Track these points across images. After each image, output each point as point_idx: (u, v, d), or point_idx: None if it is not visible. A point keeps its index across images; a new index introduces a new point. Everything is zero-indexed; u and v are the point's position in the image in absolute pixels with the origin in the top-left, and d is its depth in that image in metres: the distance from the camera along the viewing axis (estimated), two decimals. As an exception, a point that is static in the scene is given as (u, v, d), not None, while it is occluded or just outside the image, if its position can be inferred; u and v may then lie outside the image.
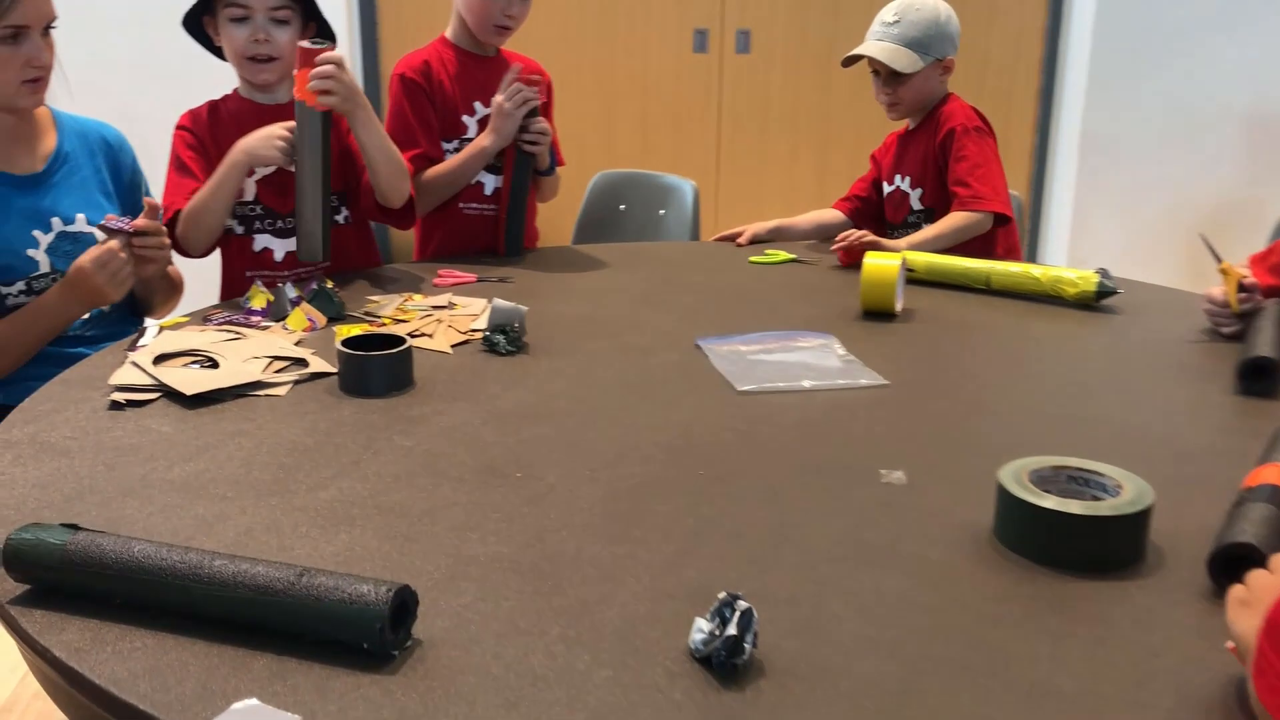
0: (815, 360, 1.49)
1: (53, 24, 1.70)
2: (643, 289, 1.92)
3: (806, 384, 1.39)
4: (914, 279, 1.89)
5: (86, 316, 1.78)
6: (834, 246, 2.10)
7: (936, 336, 1.65)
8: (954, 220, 2.12)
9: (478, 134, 2.20)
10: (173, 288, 1.97)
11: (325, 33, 1.96)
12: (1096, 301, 1.76)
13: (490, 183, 2.24)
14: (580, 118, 3.90)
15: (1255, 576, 0.78)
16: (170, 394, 1.33)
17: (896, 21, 2.17)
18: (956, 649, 0.80)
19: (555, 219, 3.09)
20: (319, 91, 1.79)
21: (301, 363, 1.45)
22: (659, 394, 1.38)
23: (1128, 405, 1.35)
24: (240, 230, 1.98)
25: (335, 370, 1.39)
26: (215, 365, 1.42)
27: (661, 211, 2.87)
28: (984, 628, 0.83)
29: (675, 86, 4.05)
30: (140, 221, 1.67)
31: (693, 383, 1.41)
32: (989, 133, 2.22)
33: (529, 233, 2.32)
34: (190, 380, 1.35)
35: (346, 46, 3.79)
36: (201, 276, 2.07)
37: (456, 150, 2.21)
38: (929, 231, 2.13)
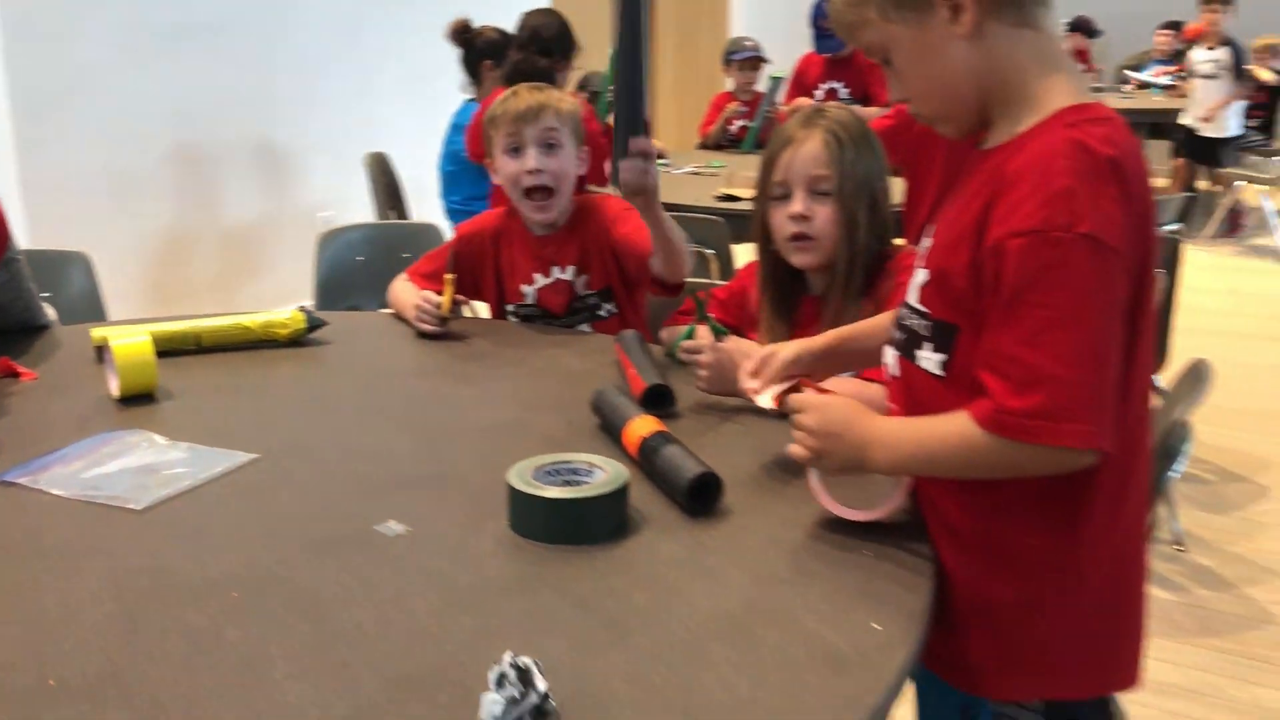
0: (160, 458, 1.44)
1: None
2: None
3: (187, 483, 1.37)
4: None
5: None
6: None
7: (224, 406, 1.69)
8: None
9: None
10: None
11: None
12: (307, 335, 1.96)
13: None
14: None
15: (805, 415, 1.19)
16: None
17: None
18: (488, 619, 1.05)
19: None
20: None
21: None
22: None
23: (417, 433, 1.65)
24: None
25: None
26: None
27: None
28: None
29: None
30: None
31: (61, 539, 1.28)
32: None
33: None
34: None
35: None
36: None
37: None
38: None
